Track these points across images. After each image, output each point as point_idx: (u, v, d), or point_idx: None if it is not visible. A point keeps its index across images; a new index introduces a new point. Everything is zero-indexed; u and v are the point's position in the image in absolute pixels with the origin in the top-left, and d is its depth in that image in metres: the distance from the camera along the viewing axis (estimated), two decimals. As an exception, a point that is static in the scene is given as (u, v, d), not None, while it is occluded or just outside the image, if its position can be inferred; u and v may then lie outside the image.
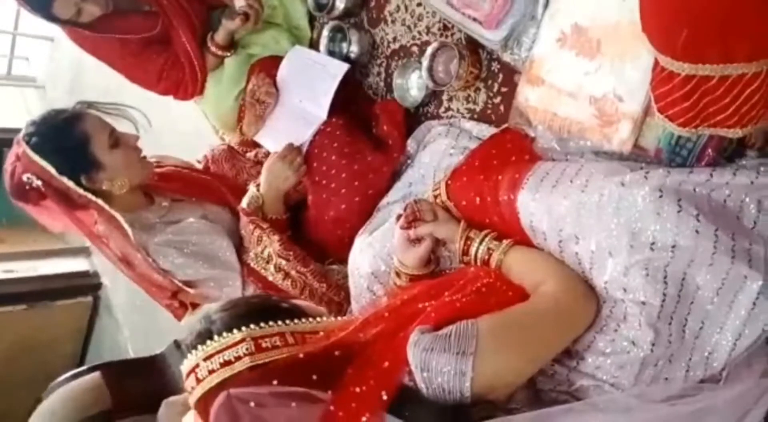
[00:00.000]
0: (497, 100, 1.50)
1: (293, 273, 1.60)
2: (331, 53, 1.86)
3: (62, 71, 3.98)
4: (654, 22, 0.81)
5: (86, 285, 3.76)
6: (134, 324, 3.56)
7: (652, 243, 0.97)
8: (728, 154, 1.07)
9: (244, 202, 1.69)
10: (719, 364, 0.99)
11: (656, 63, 0.85)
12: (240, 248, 1.69)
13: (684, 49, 0.77)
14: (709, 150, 1.05)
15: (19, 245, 3.84)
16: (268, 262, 1.62)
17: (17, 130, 1.59)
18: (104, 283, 3.78)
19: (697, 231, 0.95)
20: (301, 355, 0.91)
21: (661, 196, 0.97)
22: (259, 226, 1.62)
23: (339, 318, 1.05)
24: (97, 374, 1.74)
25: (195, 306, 1.71)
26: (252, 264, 1.64)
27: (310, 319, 1.00)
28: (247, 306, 1.00)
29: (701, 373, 1.00)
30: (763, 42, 0.74)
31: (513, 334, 0.96)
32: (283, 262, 1.59)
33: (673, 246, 0.96)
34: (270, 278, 1.63)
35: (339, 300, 1.63)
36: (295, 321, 0.98)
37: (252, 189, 1.71)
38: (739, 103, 0.79)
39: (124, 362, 2.21)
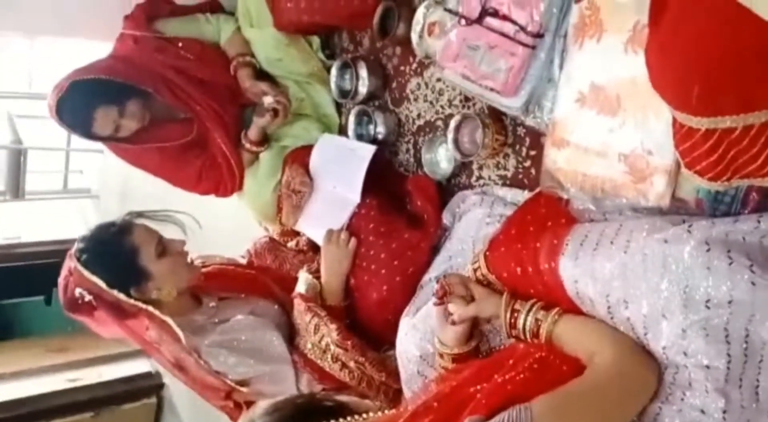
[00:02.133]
0: (527, 163, 1.48)
1: (351, 363, 1.55)
2: (359, 136, 1.90)
3: (113, 180, 4.17)
4: (664, 80, 0.79)
5: (149, 386, 3.79)
6: (198, 421, 3.55)
7: (707, 301, 0.91)
8: (775, 194, 1.01)
9: (302, 288, 1.67)
10: (801, 425, 0.91)
11: (674, 119, 0.82)
12: (291, 339, 1.68)
13: (699, 103, 0.74)
14: (754, 193, 1.00)
15: (84, 351, 3.93)
16: (324, 352, 1.58)
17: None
18: (166, 383, 3.80)
19: (753, 284, 0.89)
20: (349, 457, 0.88)
21: (708, 250, 0.92)
22: (317, 314, 1.59)
23: (386, 411, 1.01)
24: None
25: (249, 404, 1.69)
26: (308, 355, 1.61)
27: (356, 417, 0.97)
28: (291, 409, 0.98)
29: (782, 436, 0.91)
30: (781, 85, 0.70)
31: (571, 416, 0.90)
32: (341, 352, 1.55)
33: (730, 302, 0.90)
34: (327, 368, 1.59)
35: (398, 386, 1.58)
36: (341, 420, 0.95)
37: (307, 275, 1.70)
38: (769, 150, 0.75)
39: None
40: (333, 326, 1.56)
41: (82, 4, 2.04)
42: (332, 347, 1.56)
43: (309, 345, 1.61)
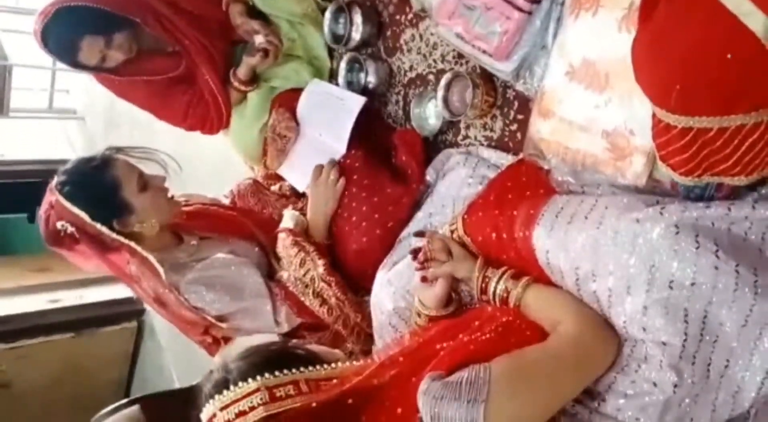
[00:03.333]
0: (514, 127, 1.49)
1: (332, 300, 1.60)
2: (349, 83, 1.88)
3: (99, 103, 4.10)
4: (646, 76, 0.79)
5: (130, 311, 3.86)
6: (177, 347, 3.64)
7: (671, 282, 0.95)
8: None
9: (289, 223, 1.69)
10: (747, 403, 0.96)
11: (654, 113, 0.83)
12: (271, 276, 1.71)
13: (678, 102, 0.74)
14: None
15: (65, 273, 3.96)
16: (307, 287, 1.62)
17: (60, 162, 1.65)
18: (146, 308, 3.87)
19: (716, 268, 0.93)
20: (314, 404, 0.92)
21: (677, 233, 0.95)
22: (304, 249, 1.62)
23: (355, 362, 1.05)
24: (136, 407, 1.79)
25: (227, 340, 1.74)
26: (290, 288, 1.65)
27: (326, 366, 1.01)
28: (263, 355, 1.02)
29: (728, 413, 0.97)
30: (760, 92, 0.71)
31: (528, 379, 0.95)
32: (325, 287, 1.59)
33: (692, 284, 0.94)
34: (307, 303, 1.63)
35: (370, 332, 1.63)
36: (310, 368, 0.99)
37: (293, 212, 1.72)
38: (741, 153, 0.76)
39: (162, 394, 2.27)
40: (320, 261, 1.59)
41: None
42: (317, 281, 1.60)
43: (292, 279, 1.64)
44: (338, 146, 1.72)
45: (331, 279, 1.58)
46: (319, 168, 1.70)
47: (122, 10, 1.77)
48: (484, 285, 1.18)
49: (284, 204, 1.89)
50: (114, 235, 1.56)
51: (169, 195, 1.67)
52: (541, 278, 1.13)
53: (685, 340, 0.95)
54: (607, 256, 1.01)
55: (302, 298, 1.63)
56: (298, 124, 1.87)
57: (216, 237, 1.77)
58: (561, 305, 1.07)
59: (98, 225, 1.54)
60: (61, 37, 1.72)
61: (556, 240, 1.08)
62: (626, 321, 1.00)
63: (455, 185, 1.50)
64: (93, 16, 1.72)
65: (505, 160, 1.47)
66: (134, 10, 1.79)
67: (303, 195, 1.87)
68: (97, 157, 1.60)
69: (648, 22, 0.77)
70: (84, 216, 1.52)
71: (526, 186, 1.24)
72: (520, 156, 1.34)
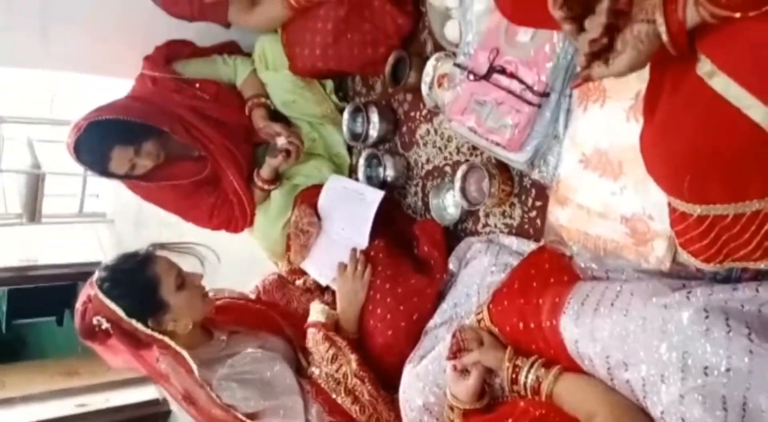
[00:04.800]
0: (533, 214, 1.50)
1: (365, 397, 1.56)
2: (369, 178, 1.93)
3: (128, 205, 4.22)
4: (657, 168, 0.81)
5: (156, 413, 3.80)
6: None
7: (705, 368, 0.92)
8: (775, 261, 1.02)
9: (320, 317, 1.68)
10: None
11: (669, 201, 0.84)
12: (299, 374, 1.69)
13: (691, 192, 0.76)
14: (753, 261, 1.01)
15: (92, 375, 3.95)
16: (339, 383, 1.59)
17: (91, 264, 1.68)
18: (173, 410, 3.81)
19: (750, 351, 0.90)
20: None
21: (707, 317, 0.93)
22: (335, 344, 1.60)
23: None
24: None
25: (258, 439, 1.70)
26: (322, 384, 1.62)
27: None
28: None
29: None
30: (775, 177, 0.72)
31: None
32: (357, 384, 1.56)
33: (728, 370, 0.91)
34: (339, 401, 1.59)
35: None
36: None
37: (322, 305, 1.72)
38: (760, 237, 0.77)
39: None
40: (352, 356, 1.57)
41: (102, 44, 2.09)
42: (349, 377, 1.56)
43: (323, 376, 1.61)
44: (360, 240, 1.74)
45: (364, 375, 1.55)
46: (344, 263, 1.71)
47: (151, 120, 1.87)
48: (514, 375, 1.16)
49: (309, 298, 1.90)
50: (148, 331, 1.57)
51: (205, 292, 1.69)
52: (572, 367, 1.11)
53: (726, 430, 0.91)
54: (637, 344, 0.99)
55: (334, 396, 1.60)
56: (320, 219, 1.91)
57: (245, 332, 1.77)
58: (595, 396, 1.05)
59: (133, 322, 1.55)
60: (93, 149, 1.81)
61: (583, 328, 1.07)
62: (663, 412, 0.96)
63: (479, 273, 1.50)
64: (123, 127, 1.82)
65: (527, 246, 1.47)
66: (163, 119, 1.89)
67: (327, 289, 1.88)
68: (139, 254, 1.62)
69: (652, 114, 0.79)
70: (120, 312, 1.54)
71: (549, 273, 1.24)
72: (542, 243, 1.35)
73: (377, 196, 1.76)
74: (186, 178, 1.99)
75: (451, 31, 1.64)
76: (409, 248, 1.75)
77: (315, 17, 1.84)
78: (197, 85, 1.99)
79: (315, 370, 1.64)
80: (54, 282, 4.39)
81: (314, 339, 1.66)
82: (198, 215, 2.10)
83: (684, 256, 0.90)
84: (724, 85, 0.66)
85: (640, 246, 1.08)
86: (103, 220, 4.73)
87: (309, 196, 1.98)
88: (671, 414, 0.95)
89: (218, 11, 1.88)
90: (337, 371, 1.59)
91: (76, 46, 2.09)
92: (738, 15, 0.61)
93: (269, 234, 2.08)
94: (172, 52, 2.01)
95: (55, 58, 2.11)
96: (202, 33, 2.07)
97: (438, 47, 1.72)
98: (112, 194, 4.62)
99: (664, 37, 0.67)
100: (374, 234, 1.75)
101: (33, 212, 3.99)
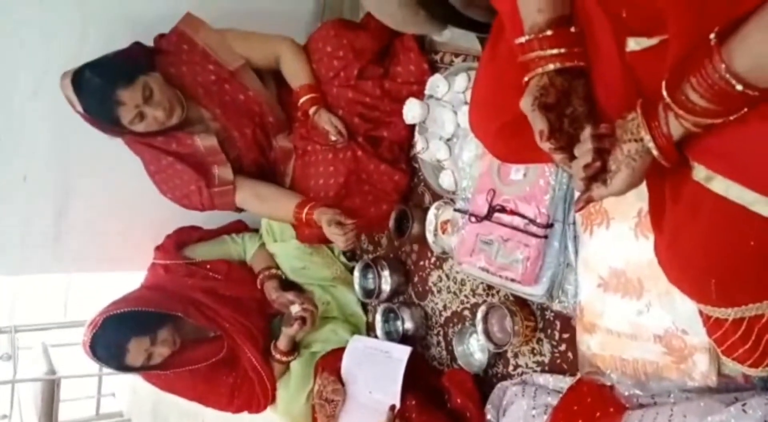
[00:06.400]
0: (562, 347, 1.45)
1: None
2: (387, 334, 1.90)
3: (144, 401, 4.10)
4: (679, 278, 0.80)
5: None
6: None
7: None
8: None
9: None
10: None
11: (700, 310, 0.82)
12: None
13: (719, 296, 0.74)
14: (803, 362, 0.96)
15: None
16: None
17: None
18: None
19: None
20: None
21: (770, 429, 0.87)
22: None
23: None
24: None
25: None
26: None
27: None
28: None
29: None
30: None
31: None
32: None
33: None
34: None
35: None
36: None
37: None
38: (804, 332, 0.74)
39: None
40: None
41: (116, 240, 2.16)
42: None
43: None
44: (390, 400, 1.67)
45: None
46: None
47: (165, 308, 1.87)
48: None
49: (343, 473, 1.78)
50: None
51: None
52: None
53: None
54: (703, 469, 0.91)
55: None
56: (343, 385, 1.84)
57: None
58: None
59: None
60: (109, 343, 1.80)
61: (644, 462, 0.99)
62: None
63: (520, 420, 1.42)
64: (138, 319, 1.82)
65: (564, 383, 1.41)
66: (176, 304, 1.90)
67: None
68: None
69: (661, 227, 0.80)
70: None
71: (593, 407, 1.17)
72: (578, 376, 1.29)
73: (404, 351, 1.71)
74: (203, 360, 1.95)
75: (445, 181, 1.71)
76: (441, 402, 1.67)
77: (316, 188, 1.91)
78: (208, 266, 2.02)
79: None
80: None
81: None
82: (218, 399, 2.03)
83: (730, 366, 0.86)
84: (723, 186, 0.68)
85: (681, 364, 1.03)
86: (121, 419, 4.57)
87: (330, 362, 1.93)
88: None
89: (226, 200, 1.95)
90: None
91: (87, 246, 2.16)
92: (720, 121, 0.64)
93: (293, 409, 2.00)
94: (182, 238, 2.07)
95: (67, 260, 2.16)
96: (210, 217, 2.15)
97: (436, 197, 1.78)
98: (127, 392, 4.51)
99: (655, 152, 0.70)
100: (403, 392, 1.68)
101: (50, 419, 3.88)
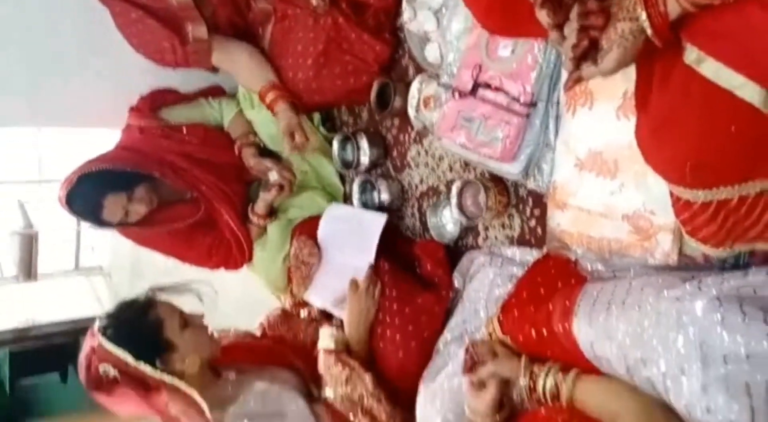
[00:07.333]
0: (532, 223, 1.51)
1: (382, 416, 1.54)
2: (364, 204, 1.93)
3: (123, 256, 4.20)
4: (657, 159, 0.82)
5: (169, 465, 3.72)
6: None
7: (725, 356, 0.92)
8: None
9: (329, 343, 1.67)
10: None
11: (671, 191, 0.85)
12: (313, 401, 1.68)
13: (693, 178, 0.77)
14: (759, 245, 1.01)
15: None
16: (354, 404, 1.57)
17: (90, 319, 1.66)
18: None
19: (768, 335, 0.90)
20: None
21: (721, 305, 0.93)
22: (348, 364, 1.59)
23: None
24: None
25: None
26: (338, 407, 1.59)
27: None
28: None
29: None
30: (771, 157, 0.73)
31: None
32: (374, 404, 1.54)
33: (748, 356, 0.91)
34: None
35: None
36: None
37: (330, 329, 1.71)
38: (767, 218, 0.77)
39: None
40: (366, 375, 1.56)
41: (88, 96, 2.10)
42: (365, 397, 1.55)
43: (339, 398, 1.59)
44: (364, 263, 1.73)
45: (379, 394, 1.54)
46: (355, 282, 1.70)
47: (141, 167, 1.87)
48: (532, 383, 1.14)
49: (315, 328, 1.89)
50: (158, 375, 1.55)
51: (209, 331, 1.68)
52: (590, 369, 1.10)
53: (752, 415, 0.90)
54: (653, 340, 0.99)
55: (351, 417, 1.58)
56: (320, 249, 1.90)
57: (253, 369, 1.76)
58: (616, 396, 1.04)
59: (141, 365, 1.53)
60: (86, 198, 1.81)
61: (597, 329, 1.06)
62: (687, 404, 0.96)
63: (485, 287, 1.50)
64: (114, 176, 1.82)
65: (530, 255, 1.47)
66: (152, 165, 1.90)
67: (332, 317, 1.87)
68: (139, 299, 1.62)
69: (646, 108, 0.81)
70: (128, 357, 1.52)
71: (556, 278, 1.24)
72: (545, 250, 1.35)
73: (381, 219, 1.76)
74: (181, 221, 1.99)
75: (431, 54, 1.67)
76: (412, 269, 1.75)
77: (294, 54, 1.86)
78: (184, 130, 2.00)
79: (330, 394, 1.63)
80: (54, 340, 4.33)
81: (326, 363, 1.65)
82: (196, 256, 2.09)
83: (692, 246, 0.91)
84: (713, 69, 0.68)
85: (645, 242, 1.08)
86: (100, 273, 4.70)
87: (306, 228, 1.98)
88: (695, 406, 0.94)
89: (201, 58, 1.89)
90: (352, 392, 1.58)
91: (62, 101, 2.10)
92: (717, 2, 0.62)
93: (270, 269, 2.07)
94: (157, 100, 2.02)
95: (41, 114, 2.11)
96: (186, 79, 2.09)
97: (420, 70, 1.74)
98: (107, 247, 4.61)
99: (649, 31, 0.69)
100: (377, 258, 1.75)
101: (28, 271, 3.97)
